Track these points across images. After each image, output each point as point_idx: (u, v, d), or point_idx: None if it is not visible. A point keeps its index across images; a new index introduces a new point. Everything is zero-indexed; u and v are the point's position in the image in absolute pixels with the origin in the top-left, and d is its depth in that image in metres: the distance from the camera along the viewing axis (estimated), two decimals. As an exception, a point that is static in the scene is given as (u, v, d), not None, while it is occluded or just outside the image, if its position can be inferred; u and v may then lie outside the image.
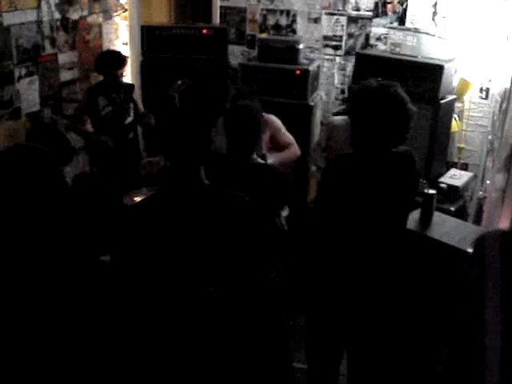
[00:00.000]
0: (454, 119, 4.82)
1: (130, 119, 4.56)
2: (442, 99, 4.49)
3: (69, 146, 2.95)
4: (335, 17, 5.43)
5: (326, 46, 5.54)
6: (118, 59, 4.48)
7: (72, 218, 2.19)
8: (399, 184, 2.55)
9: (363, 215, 2.49)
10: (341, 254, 2.55)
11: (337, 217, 2.54)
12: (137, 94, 4.69)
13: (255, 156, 2.96)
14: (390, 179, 2.52)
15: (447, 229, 3.21)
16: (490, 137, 4.76)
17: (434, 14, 5.02)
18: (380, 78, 4.28)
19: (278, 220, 3.00)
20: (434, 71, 4.45)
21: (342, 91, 5.58)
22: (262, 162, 3.00)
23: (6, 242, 2.10)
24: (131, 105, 4.58)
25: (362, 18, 5.34)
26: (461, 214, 4.33)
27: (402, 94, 2.50)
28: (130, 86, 4.69)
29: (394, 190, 2.53)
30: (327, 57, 5.56)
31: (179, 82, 4.49)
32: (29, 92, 4.43)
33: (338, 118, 4.06)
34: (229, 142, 2.95)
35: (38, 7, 4.40)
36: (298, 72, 4.96)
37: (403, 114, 2.46)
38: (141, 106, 4.74)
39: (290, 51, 5.05)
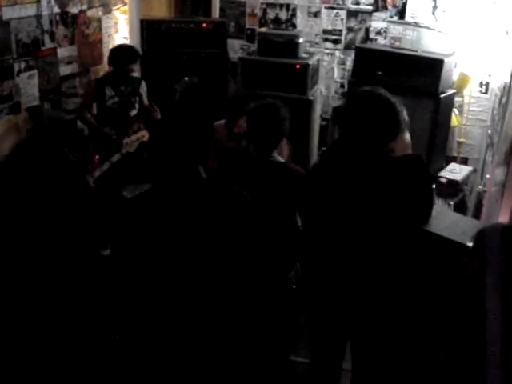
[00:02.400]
0: (453, 113, 4.82)
1: (134, 112, 4.58)
2: (442, 93, 4.50)
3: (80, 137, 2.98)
4: (335, 11, 5.42)
5: (326, 40, 5.54)
6: (132, 54, 4.53)
7: (82, 212, 2.19)
8: (396, 189, 2.45)
9: (352, 216, 2.45)
10: (338, 251, 2.54)
11: (327, 217, 2.52)
12: (143, 89, 4.71)
13: (276, 154, 2.96)
14: (383, 183, 2.45)
15: (447, 223, 3.21)
16: (489, 131, 4.76)
17: (434, 8, 5.02)
18: (380, 72, 4.31)
19: (294, 220, 3.00)
20: (433, 65, 4.45)
21: (342, 85, 5.57)
22: (282, 160, 3.00)
23: (17, 235, 2.10)
24: (137, 98, 4.61)
25: (362, 11, 5.33)
26: (460, 207, 4.34)
27: (386, 95, 2.46)
28: (138, 80, 4.71)
29: (388, 195, 2.44)
30: (327, 51, 5.55)
31: (186, 78, 4.49)
32: (28, 86, 4.42)
33: None
34: (251, 139, 2.97)
35: (38, 1, 4.38)
36: (297, 66, 4.96)
37: (387, 111, 2.43)
38: (146, 100, 4.75)
39: (290, 45, 5.05)
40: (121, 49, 4.60)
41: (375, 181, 2.45)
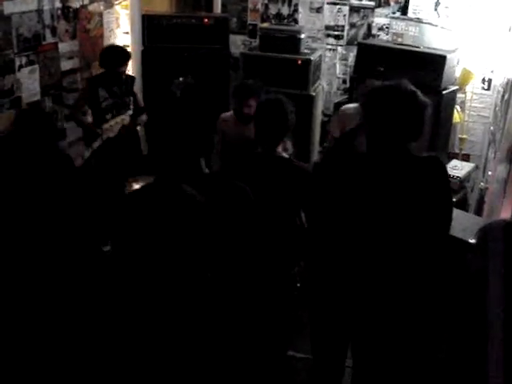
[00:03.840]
0: (455, 110, 4.81)
1: (129, 112, 4.53)
2: (445, 90, 4.48)
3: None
4: (337, 6, 5.41)
5: (328, 35, 5.53)
6: (122, 57, 4.43)
7: (79, 207, 2.19)
8: (418, 190, 2.39)
9: (368, 215, 2.40)
10: (344, 252, 2.51)
11: (338, 214, 2.48)
12: (137, 87, 4.66)
13: (280, 149, 2.96)
14: (406, 182, 2.40)
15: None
16: (491, 128, 4.75)
17: (437, 4, 5.01)
18: (382, 68, 4.29)
19: (298, 217, 2.99)
20: (436, 62, 4.44)
21: (344, 81, 5.57)
22: (287, 156, 3.00)
23: (15, 229, 2.10)
24: (131, 98, 4.56)
25: (365, 7, 5.32)
26: (462, 204, 4.34)
27: (411, 88, 2.38)
28: (131, 79, 4.66)
29: (409, 195, 2.39)
30: (329, 47, 5.55)
31: (180, 78, 4.46)
32: (29, 81, 4.41)
33: (350, 107, 3.78)
34: (256, 133, 2.97)
35: (39, -4, 4.38)
36: (299, 62, 4.94)
37: (414, 108, 2.35)
38: (140, 100, 4.71)
39: (292, 41, 5.04)
40: (111, 51, 4.51)
41: (397, 180, 2.40)
